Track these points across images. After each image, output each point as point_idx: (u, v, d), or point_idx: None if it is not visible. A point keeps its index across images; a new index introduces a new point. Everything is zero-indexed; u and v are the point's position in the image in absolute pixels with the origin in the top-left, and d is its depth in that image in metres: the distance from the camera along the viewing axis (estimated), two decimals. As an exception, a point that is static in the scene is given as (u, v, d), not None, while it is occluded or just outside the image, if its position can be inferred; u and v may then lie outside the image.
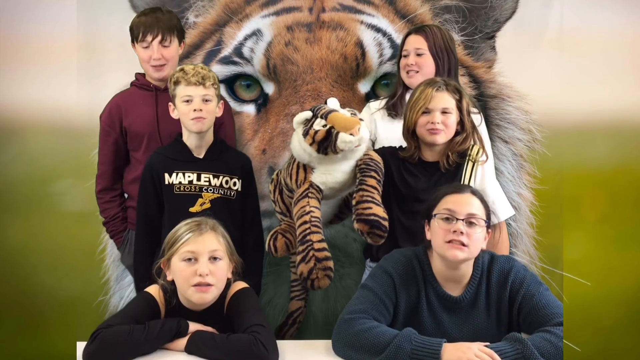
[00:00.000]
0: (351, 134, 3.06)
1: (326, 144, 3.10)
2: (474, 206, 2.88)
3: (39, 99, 4.22)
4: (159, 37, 3.70)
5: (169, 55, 3.72)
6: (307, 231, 3.12)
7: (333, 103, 3.25)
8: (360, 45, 4.24)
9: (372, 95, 4.22)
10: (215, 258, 2.91)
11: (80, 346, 2.85)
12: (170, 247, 2.94)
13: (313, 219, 3.15)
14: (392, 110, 3.72)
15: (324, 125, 3.11)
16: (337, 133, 3.07)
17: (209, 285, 2.87)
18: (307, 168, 3.26)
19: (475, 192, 2.96)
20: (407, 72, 3.69)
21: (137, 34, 3.74)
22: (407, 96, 3.67)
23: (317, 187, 3.22)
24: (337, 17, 4.27)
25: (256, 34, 4.27)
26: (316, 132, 3.12)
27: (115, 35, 4.21)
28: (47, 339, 4.16)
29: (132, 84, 3.87)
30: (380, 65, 4.25)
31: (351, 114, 3.20)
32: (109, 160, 3.82)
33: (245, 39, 4.28)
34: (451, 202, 2.87)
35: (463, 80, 4.20)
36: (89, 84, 4.27)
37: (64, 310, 4.21)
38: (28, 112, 4.24)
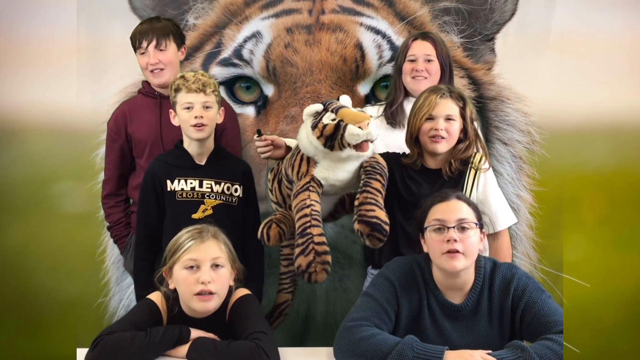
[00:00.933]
0: (360, 127, 3.05)
1: (333, 139, 3.08)
2: (463, 211, 2.87)
3: (39, 100, 4.24)
4: (154, 42, 3.71)
5: (165, 59, 3.73)
6: (308, 224, 3.10)
7: (345, 100, 3.24)
8: (359, 47, 4.25)
9: (371, 97, 4.22)
10: (217, 265, 2.91)
11: (80, 353, 2.85)
12: (172, 255, 2.94)
13: (313, 213, 3.13)
14: (392, 119, 3.71)
15: (333, 119, 3.10)
16: (346, 125, 3.05)
17: (211, 293, 2.87)
18: (310, 161, 3.24)
19: (461, 197, 2.96)
20: (414, 78, 3.70)
21: (134, 42, 3.77)
22: (406, 103, 3.70)
23: (318, 181, 3.21)
24: (337, 19, 4.27)
25: (256, 36, 4.27)
26: (325, 125, 3.10)
27: (115, 37, 4.23)
28: (47, 341, 4.18)
29: (138, 91, 3.89)
30: (379, 67, 4.25)
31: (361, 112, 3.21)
32: (115, 166, 3.85)
33: (245, 41, 4.28)
34: (439, 212, 2.87)
35: (462, 82, 4.21)
36: (89, 85, 4.28)
37: (63, 311, 4.23)
38: (28, 114, 4.26)
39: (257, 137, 3.54)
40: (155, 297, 2.98)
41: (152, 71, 3.73)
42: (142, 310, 2.97)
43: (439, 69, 3.70)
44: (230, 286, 2.97)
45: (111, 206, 3.87)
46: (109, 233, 3.95)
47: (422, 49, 3.70)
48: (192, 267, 2.89)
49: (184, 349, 2.80)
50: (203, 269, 2.88)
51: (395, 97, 3.76)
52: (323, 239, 3.10)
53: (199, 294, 2.87)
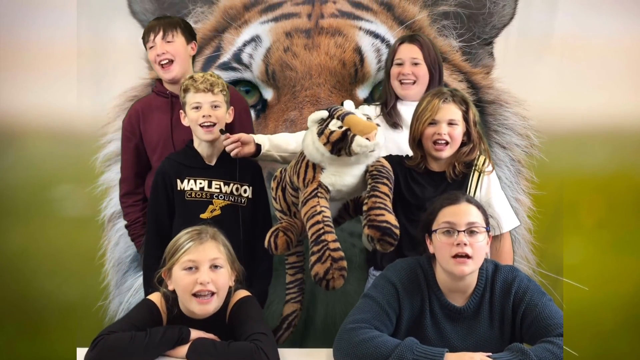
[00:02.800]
0: (367, 139, 3.04)
1: (340, 146, 3.05)
2: (473, 215, 2.86)
3: (39, 104, 4.25)
4: (161, 33, 3.73)
5: (173, 50, 3.75)
6: (321, 231, 3.07)
7: (349, 105, 3.21)
8: (358, 51, 4.25)
9: (370, 101, 4.21)
10: (216, 266, 2.91)
11: (81, 352, 2.84)
12: (171, 256, 2.94)
13: (325, 219, 3.10)
14: (390, 118, 3.70)
15: (340, 127, 3.06)
16: (354, 136, 3.02)
17: (211, 294, 2.87)
18: (316, 167, 3.20)
19: (470, 200, 2.95)
20: (401, 82, 3.69)
21: (144, 39, 3.81)
22: (399, 105, 3.70)
23: (326, 187, 3.18)
24: (336, 23, 4.28)
25: (255, 40, 4.28)
26: (331, 132, 3.06)
27: (115, 41, 4.26)
28: (47, 344, 4.20)
29: (152, 90, 3.91)
30: (378, 71, 4.24)
31: (367, 118, 3.17)
32: (130, 165, 3.86)
33: (244, 45, 4.29)
34: (449, 215, 2.86)
35: (461, 86, 4.22)
36: (89, 89, 4.29)
37: (63, 315, 4.24)
38: (28, 118, 4.27)
39: (221, 135, 3.54)
40: (155, 297, 2.98)
41: (160, 64, 3.75)
42: (141, 311, 2.97)
43: (426, 72, 3.67)
44: (230, 287, 2.97)
45: (129, 205, 3.88)
46: (109, 235, 3.96)
47: (408, 53, 3.68)
48: (190, 268, 2.89)
49: (183, 350, 2.80)
50: (202, 270, 2.88)
51: (387, 99, 3.75)
52: (338, 244, 3.06)
53: (198, 295, 2.87)
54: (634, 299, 4.22)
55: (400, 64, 3.69)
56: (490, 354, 2.67)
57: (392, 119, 3.69)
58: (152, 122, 3.79)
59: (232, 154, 3.48)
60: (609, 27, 4.24)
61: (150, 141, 3.79)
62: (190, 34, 3.83)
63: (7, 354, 4.21)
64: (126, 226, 3.93)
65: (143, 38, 3.81)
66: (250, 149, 3.49)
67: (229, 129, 3.55)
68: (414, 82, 3.67)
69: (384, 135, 3.37)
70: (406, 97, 3.65)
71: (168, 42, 3.74)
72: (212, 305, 2.90)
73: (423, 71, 3.67)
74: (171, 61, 3.74)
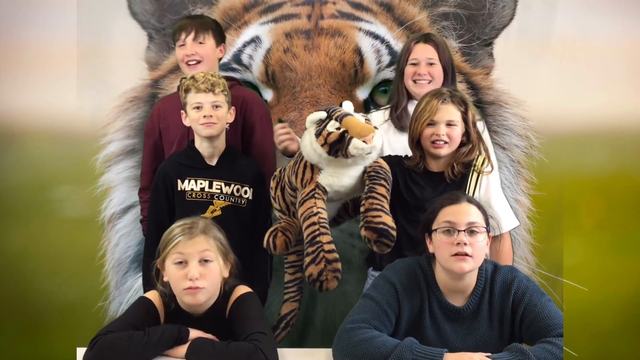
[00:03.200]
0: (364, 141, 3.04)
1: (338, 147, 3.05)
2: (473, 214, 2.85)
3: (39, 105, 4.26)
4: (192, 34, 3.72)
5: (203, 52, 3.74)
6: (317, 232, 3.08)
7: (348, 106, 3.21)
8: (358, 52, 4.25)
9: (370, 102, 4.22)
10: (206, 260, 2.89)
11: (81, 353, 2.83)
12: (164, 248, 2.94)
13: (321, 220, 3.11)
14: (397, 123, 3.67)
15: (338, 128, 3.06)
16: (351, 138, 3.03)
17: (199, 287, 2.86)
18: (314, 168, 3.21)
19: (471, 200, 2.94)
20: (415, 81, 3.66)
21: (173, 35, 3.82)
22: (410, 107, 3.66)
23: (323, 188, 3.18)
24: (336, 24, 4.28)
25: (255, 40, 4.28)
26: (329, 133, 3.06)
27: (115, 42, 4.26)
28: (47, 344, 4.20)
29: (177, 87, 3.89)
30: (378, 72, 4.25)
31: (365, 119, 3.17)
32: (149, 161, 3.86)
33: (244, 45, 4.29)
34: (450, 214, 2.85)
35: (461, 87, 4.20)
36: (89, 90, 4.29)
37: (63, 315, 4.25)
38: (28, 118, 4.28)
39: (279, 122, 3.55)
40: (152, 295, 2.97)
41: (188, 63, 3.74)
42: (139, 309, 2.95)
43: (441, 72, 3.65)
44: (224, 278, 2.96)
45: (144, 200, 3.87)
46: (109, 236, 3.96)
47: (424, 53, 3.66)
48: (180, 262, 2.87)
49: (182, 349, 2.78)
50: (191, 265, 2.85)
51: (398, 100, 3.71)
52: (332, 246, 3.07)
53: (188, 288, 2.86)
54: (634, 299, 4.23)
55: (415, 64, 3.66)
56: (489, 354, 2.67)
57: (401, 122, 3.67)
58: (173, 120, 3.76)
59: (281, 145, 3.56)
60: (608, 28, 4.25)
61: (167, 138, 3.79)
62: (220, 36, 3.84)
63: (7, 354, 4.22)
64: (141, 220, 3.94)
65: (173, 34, 3.81)
66: (295, 147, 3.53)
67: (249, 134, 3.62)
68: (429, 82, 3.65)
69: (387, 138, 3.40)
70: (419, 96, 3.59)
71: (199, 43, 3.74)
72: (202, 295, 2.87)
73: (438, 71, 3.65)
74: (199, 62, 3.75)
